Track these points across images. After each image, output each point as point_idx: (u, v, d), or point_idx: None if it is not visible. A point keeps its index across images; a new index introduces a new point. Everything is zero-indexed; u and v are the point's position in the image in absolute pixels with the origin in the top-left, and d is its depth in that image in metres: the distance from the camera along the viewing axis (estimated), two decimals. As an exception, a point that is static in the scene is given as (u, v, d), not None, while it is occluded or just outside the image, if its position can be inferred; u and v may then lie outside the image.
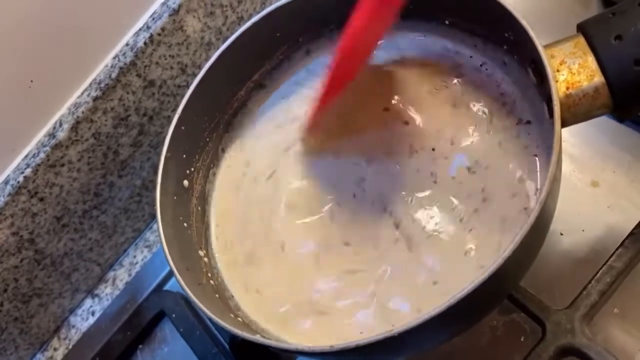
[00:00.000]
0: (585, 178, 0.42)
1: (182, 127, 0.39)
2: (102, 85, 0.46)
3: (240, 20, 0.52)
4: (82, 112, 0.46)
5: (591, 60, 0.30)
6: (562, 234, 0.41)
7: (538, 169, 0.33)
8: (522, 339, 0.39)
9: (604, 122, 0.45)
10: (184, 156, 0.39)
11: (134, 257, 0.56)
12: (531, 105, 0.34)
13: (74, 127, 0.46)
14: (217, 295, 0.35)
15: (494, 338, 0.40)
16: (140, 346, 0.50)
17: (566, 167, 0.43)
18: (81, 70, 0.46)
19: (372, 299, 0.33)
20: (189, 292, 0.31)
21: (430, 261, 0.33)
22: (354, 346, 0.26)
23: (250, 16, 0.52)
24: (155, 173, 0.36)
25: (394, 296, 0.33)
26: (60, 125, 0.46)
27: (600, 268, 0.34)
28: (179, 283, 0.31)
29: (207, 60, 0.40)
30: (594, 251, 0.39)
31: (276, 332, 0.34)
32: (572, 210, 0.41)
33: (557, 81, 0.30)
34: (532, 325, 0.38)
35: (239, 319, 0.34)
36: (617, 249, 0.34)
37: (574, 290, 0.36)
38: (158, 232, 0.33)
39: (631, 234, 0.34)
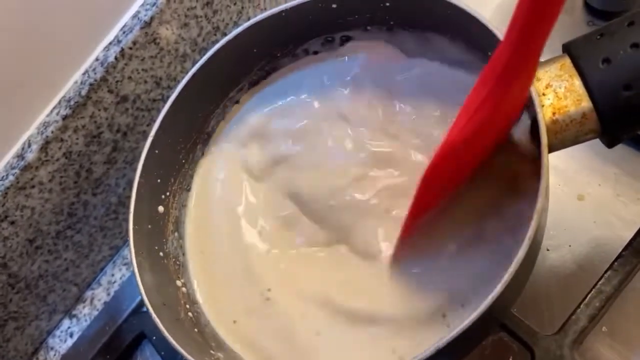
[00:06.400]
0: (571, 191, 0.41)
1: (156, 151, 0.37)
2: (72, 103, 0.44)
3: (217, 30, 0.50)
4: (52, 132, 0.44)
5: (578, 84, 0.28)
6: (548, 250, 0.40)
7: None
8: (510, 359, 0.38)
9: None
10: (159, 181, 0.38)
11: (112, 275, 0.54)
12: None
13: (44, 147, 0.44)
14: (195, 330, 0.34)
15: (482, 358, 0.39)
16: (120, 369, 0.48)
17: (552, 180, 0.42)
18: (49, 88, 0.44)
19: None
20: (166, 333, 0.29)
21: None
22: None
23: (227, 26, 0.50)
24: (132, 190, 0.35)
25: None
26: (29, 145, 0.44)
27: (589, 292, 0.33)
28: (156, 324, 0.30)
29: (182, 72, 0.38)
30: (581, 268, 0.39)
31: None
32: (558, 225, 0.41)
33: (543, 106, 0.29)
34: (520, 346, 0.37)
35: (219, 354, 0.33)
36: (605, 272, 0.33)
37: (562, 312, 0.35)
38: (132, 270, 0.32)
39: (620, 256, 0.33)
